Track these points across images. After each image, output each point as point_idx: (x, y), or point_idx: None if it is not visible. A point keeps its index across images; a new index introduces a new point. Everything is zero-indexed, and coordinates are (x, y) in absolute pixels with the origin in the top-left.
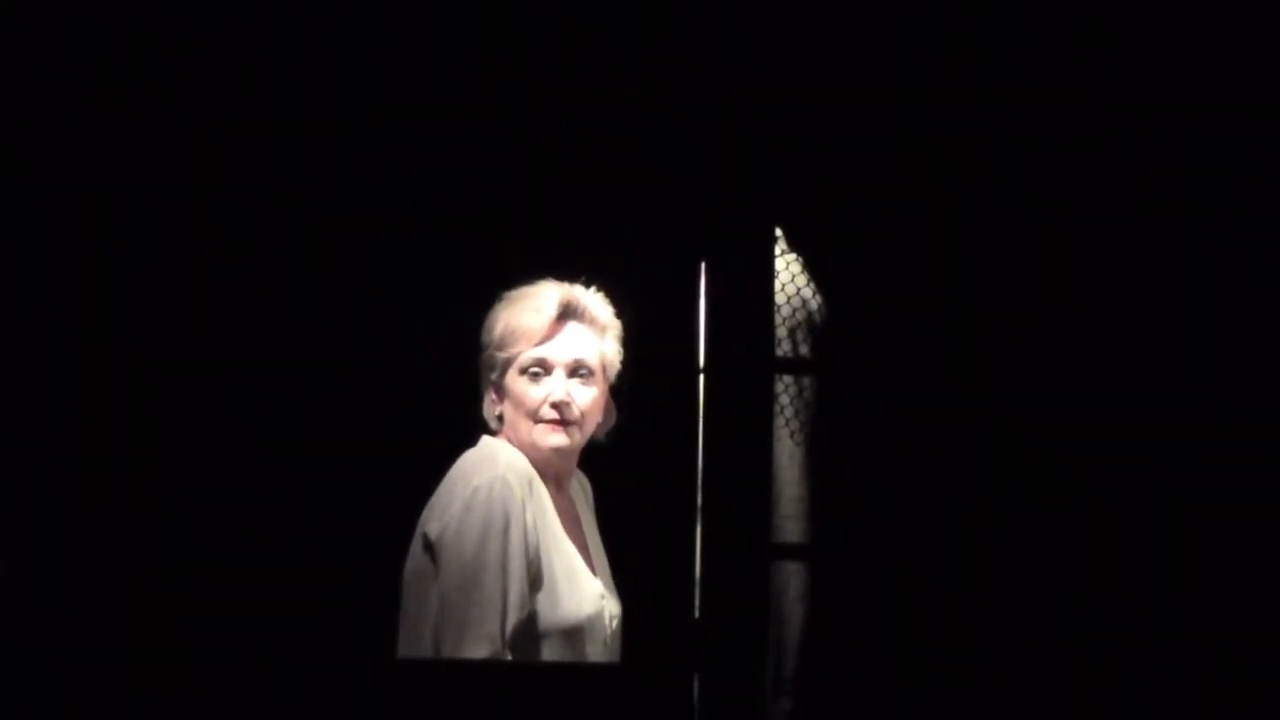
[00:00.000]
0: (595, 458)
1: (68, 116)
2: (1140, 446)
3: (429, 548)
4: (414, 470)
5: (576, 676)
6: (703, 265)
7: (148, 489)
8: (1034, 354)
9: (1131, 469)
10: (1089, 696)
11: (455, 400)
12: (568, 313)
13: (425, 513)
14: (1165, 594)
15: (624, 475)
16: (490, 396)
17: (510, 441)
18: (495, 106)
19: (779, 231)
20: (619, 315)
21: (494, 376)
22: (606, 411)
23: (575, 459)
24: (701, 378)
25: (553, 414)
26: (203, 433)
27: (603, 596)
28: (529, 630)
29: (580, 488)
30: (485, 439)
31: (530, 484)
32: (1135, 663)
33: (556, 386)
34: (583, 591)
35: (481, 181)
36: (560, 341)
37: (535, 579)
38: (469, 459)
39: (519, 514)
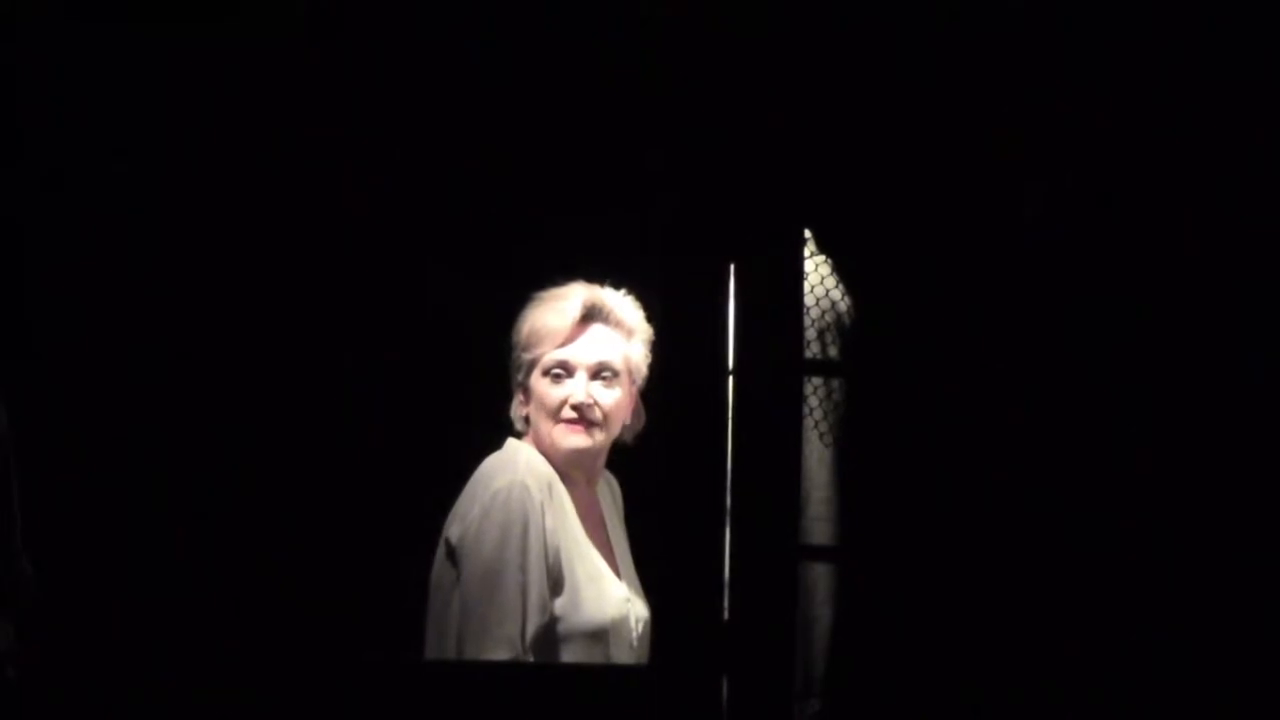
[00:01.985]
0: (625, 459)
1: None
2: (1173, 449)
3: (451, 552)
4: (446, 472)
5: (605, 678)
6: (732, 267)
7: (178, 494)
8: (1063, 355)
9: (1165, 470)
10: (1120, 697)
11: (487, 401)
12: (592, 315)
13: (449, 517)
14: (1193, 597)
15: (653, 477)
16: (518, 397)
17: (534, 443)
18: (527, 110)
19: (808, 233)
20: (648, 318)
21: (520, 377)
22: (635, 415)
23: (600, 461)
24: (731, 380)
25: (572, 414)
26: (240, 438)
27: (628, 600)
28: (550, 634)
29: (608, 489)
30: (509, 441)
31: (550, 487)
32: (1166, 664)
33: (578, 388)
34: (606, 595)
35: (512, 184)
36: (583, 343)
37: (556, 583)
38: (491, 463)
39: (537, 518)
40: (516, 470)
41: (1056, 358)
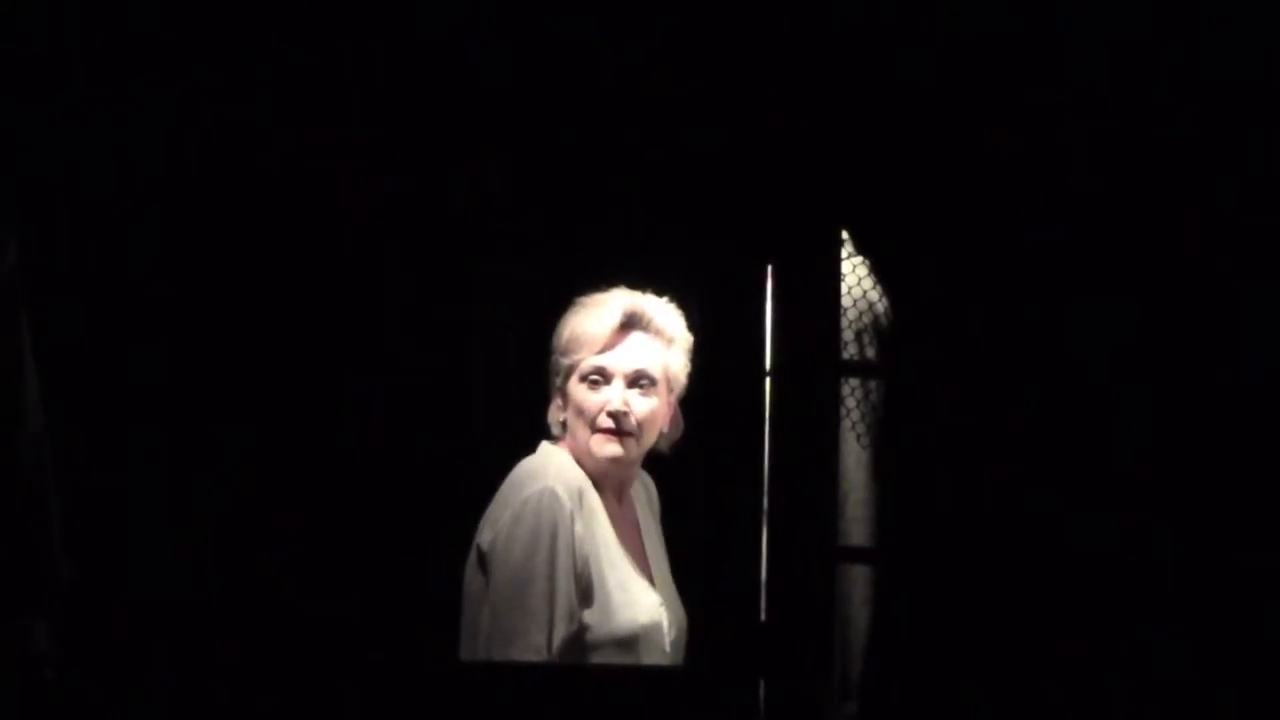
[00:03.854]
0: (663, 461)
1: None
2: (1223, 453)
3: (482, 558)
4: (481, 476)
5: (642, 679)
6: (769, 268)
7: (211, 499)
8: (1101, 357)
9: (1214, 475)
10: (1158, 702)
11: (524, 405)
12: (632, 322)
13: (481, 522)
14: (1243, 601)
15: (691, 478)
16: (556, 401)
17: (570, 448)
18: (566, 113)
19: (845, 234)
20: (687, 321)
21: (559, 382)
22: (672, 423)
23: (634, 469)
24: (768, 381)
25: (609, 423)
26: (276, 441)
27: (660, 606)
28: (579, 642)
29: (644, 492)
30: (543, 446)
31: (581, 494)
32: (1210, 669)
33: (614, 395)
34: (637, 602)
35: (552, 188)
36: (622, 351)
37: (585, 591)
38: (523, 468)
39: (567, 526)
40: (547, 477)
41: (1096, 358)
